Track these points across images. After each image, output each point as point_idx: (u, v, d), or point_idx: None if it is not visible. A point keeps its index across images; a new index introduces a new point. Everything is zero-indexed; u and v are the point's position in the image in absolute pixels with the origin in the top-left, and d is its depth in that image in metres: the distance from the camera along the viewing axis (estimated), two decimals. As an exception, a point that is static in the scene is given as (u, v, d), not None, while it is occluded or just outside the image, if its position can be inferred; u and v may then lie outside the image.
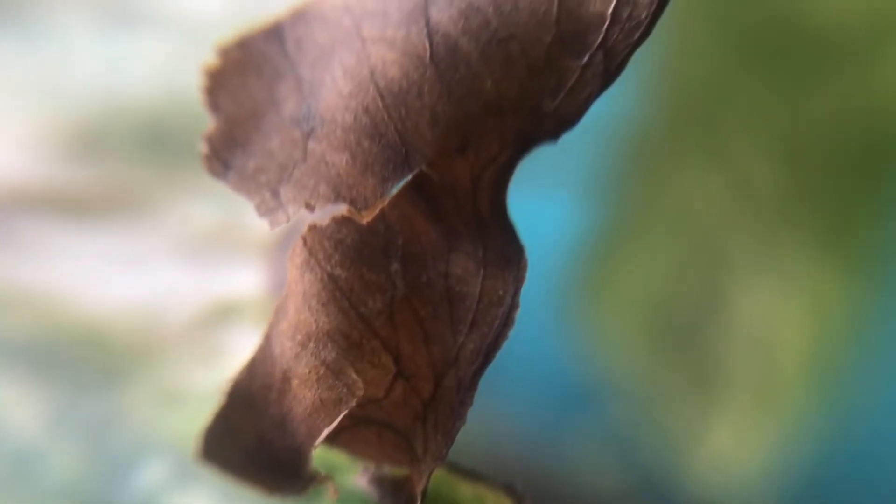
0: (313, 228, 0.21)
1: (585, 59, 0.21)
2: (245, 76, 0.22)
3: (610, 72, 0.21)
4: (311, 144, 0.21)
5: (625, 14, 0.21)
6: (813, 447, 0.44)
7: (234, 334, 0.28)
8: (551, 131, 0.21)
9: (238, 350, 0.27)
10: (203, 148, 0.21)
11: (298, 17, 0.22)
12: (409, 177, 0.21)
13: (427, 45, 0.21)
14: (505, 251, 0.21)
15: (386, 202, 0.21)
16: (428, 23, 0.21)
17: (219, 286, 0.28)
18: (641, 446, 0.43)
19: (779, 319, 0.44)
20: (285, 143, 0.21)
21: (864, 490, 0.42)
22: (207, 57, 0.22)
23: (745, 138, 0.43)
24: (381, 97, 0.21)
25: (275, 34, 0.22)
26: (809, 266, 0.44)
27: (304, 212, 0.21)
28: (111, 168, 0.30)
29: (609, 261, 0.46)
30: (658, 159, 0.46)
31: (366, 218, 0.21)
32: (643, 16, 0.20)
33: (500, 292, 0.21)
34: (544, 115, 0.21)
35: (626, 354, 0.46)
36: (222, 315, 0.28)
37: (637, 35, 0.20)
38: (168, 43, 0.31)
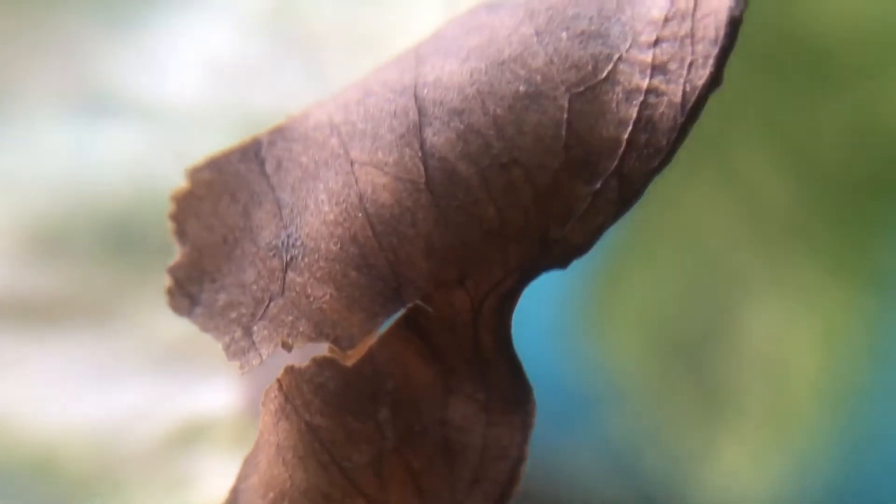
0: (290, 371, 0.19)
1: (598, 185, 0.19)
2: (217, 200, 0.20)
3: (626, 199, 0.19)
4: (291, 276, 0.19)
5: (642, 140, 0.19)
6: (825, 467, 0.43)
7: (204, 460, 0.26)
8: (560, 258, 0.19)
9: (207, 478, 0.25)
10: (167, 281, 0.19)
11: (279, 135, 0.20)
12: (402, 311, 0.19)
13: (422, 169, 0.19)
14: (510, 392, 0.19)
15: (375, 341, 0.19)
16: (423, 146, 0.19)
17: (188, 404, 0.26)
18: (649, 465, 0.43)
19: (790, 337, 0.43)
20: (261, 275, 0.19)
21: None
22: (180, 156, 0.20)
23: (754, 154, 0.42)
24: (371, 225, 0.19)
25: (252, 153, 0.20)
26: (821, 283, 0.43)
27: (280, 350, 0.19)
28: (72, 271, 0.28)
29: (617, 277, 0.45)
30: (667, 175, 0.44)
31: (351, 359, 0.19)
32: (663, 143, 0.18)
33: (505, 442, 0.19)
34: (552, 242, 0.19)
35: (634, 372, 0.45)
36: (191, 437, 0.26)
37: (656, 162, 0.18)
38: (140, 134, 0.29)
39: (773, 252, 0.42)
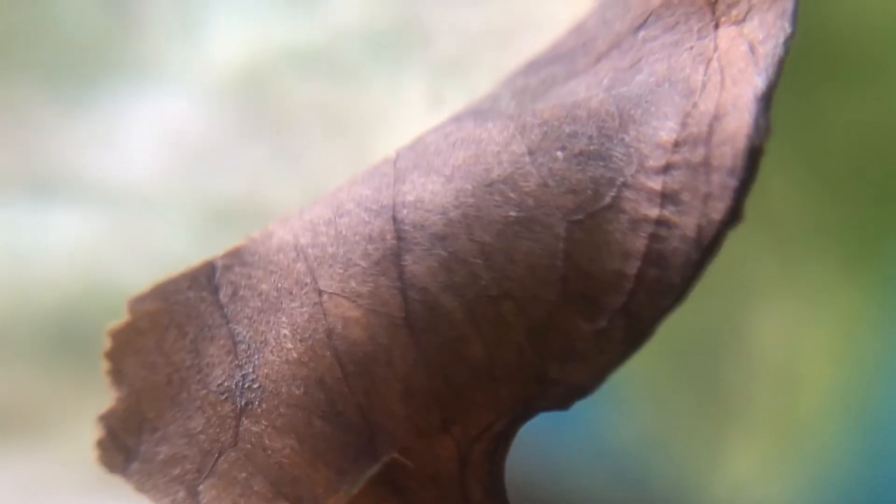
0: (245, 536, 0.17)
1: (602, 323, 0.17)
2: (162, 334, 0.17)
3: (634, 339, 0.17)
4: (246, 424, 0.17)
5: (652, 275, 0.16)
6: (838, 477, 0.42)
7: None
8: (560, 399, 0.17)
9: None
10: (98, 431, 0.17)
11: (235, 258, 0.17)
12: (376, 466, 0.17)
13: (400, 301, 0.17)
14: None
15: (344, 502, 0.17)
16: (401, 275, 0.17)
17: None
18: (655, 474, 0.41)
19: (801, 342, 0.42)
20: (211, 423, 0.17)
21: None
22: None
23: (765, 156, 0.41)
24: (341, 365, 0.17)
25: (204, 279, 0.17)
26: (833, 287, 0.41)
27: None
28: (10, 374, 0.26)
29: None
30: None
31: (315, 523, 0.17)
32: (676, 280, 0.16)
33: None
34: (550, 383, 0.17)
35: (641, 377, 0.44)
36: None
37: (669, 301, 0.16)
38: (90, 219, 0.27)
39: (783, 255, 0.41)
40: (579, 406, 0.42)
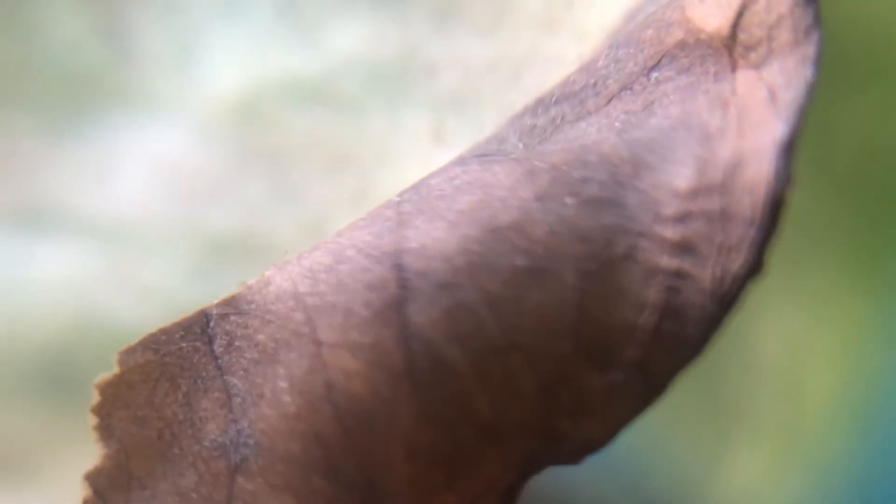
0: None
1: (616, 376, 0.16)
2: (153, 387, 0.16)
3: (649, 393, 0.16)
4: (240, 482, 0.16)
5: (667, 328, 0.16)
6: (843, 484, 0.41)
7: None
8: (571, 454, 0.16)
9: None
10: (84, 491, 0.16)
11: (231, 306, 0.17)
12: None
13: (402, 353, 0.16)
14: None
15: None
16: (404, 325, 0.16)
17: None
18: (657, 481, 0.41)
19: (806, 348, 0.41)
20: (203, 480, 0.16)
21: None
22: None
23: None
24: (340, 420, 0.16)
25: (198, 329, 0.17)
26: (837, 295, 0.41)
27: None
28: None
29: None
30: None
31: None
32: (692, 334, 0.15)
33: None
34: (561, 437, 0.16)
35: None
36: None
37: (685, 355, 0.16)
38: (80, 255, 0.26)
39: (788, 260, 0.40)
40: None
